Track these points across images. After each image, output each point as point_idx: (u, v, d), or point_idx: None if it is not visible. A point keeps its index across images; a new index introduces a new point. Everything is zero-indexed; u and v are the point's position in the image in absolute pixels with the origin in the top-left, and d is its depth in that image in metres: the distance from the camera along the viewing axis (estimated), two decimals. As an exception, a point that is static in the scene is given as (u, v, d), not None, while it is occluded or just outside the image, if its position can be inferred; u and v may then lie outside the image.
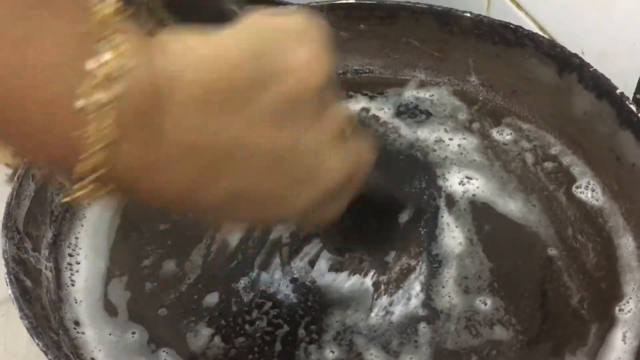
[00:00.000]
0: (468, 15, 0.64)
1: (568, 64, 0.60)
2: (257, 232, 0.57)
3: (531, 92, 0.64)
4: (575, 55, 0.60)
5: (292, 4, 0.68)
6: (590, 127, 0.60)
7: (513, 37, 0.63)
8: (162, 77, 0.31)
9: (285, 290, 0.54)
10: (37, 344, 0.45)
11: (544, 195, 0.59)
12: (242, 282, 0.54)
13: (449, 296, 0.53)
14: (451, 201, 0.59)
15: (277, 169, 0.36)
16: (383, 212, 0.55)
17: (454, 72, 0.67)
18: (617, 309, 0.52)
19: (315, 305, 0.53)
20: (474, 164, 0.61)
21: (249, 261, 0.55)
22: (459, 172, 0.60)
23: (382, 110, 0.65)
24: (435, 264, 0.55)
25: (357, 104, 0.66)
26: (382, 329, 0.51)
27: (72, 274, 0.55)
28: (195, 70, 0.32)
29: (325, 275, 0.54)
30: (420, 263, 0.55)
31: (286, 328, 0.52)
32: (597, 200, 0.58)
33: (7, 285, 0.48)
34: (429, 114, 0.65)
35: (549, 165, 0.61)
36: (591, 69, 0.59)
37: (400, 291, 0.53)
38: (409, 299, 0.53)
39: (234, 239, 0.57)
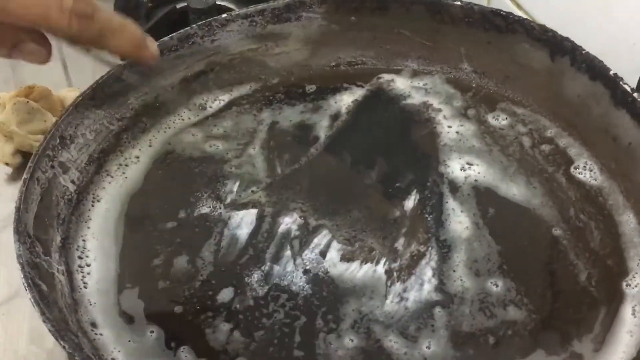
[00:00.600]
0: (458, 3, 0.65)
1: (560, 48, 0.61)
2: (266, 226, 0.57)
3: (524, 77, 0.65)
4: (567, 38, 0.61)
5: (283, -2, 0.68)
6: (584, 108, 0.61)
7: (504, 24, 0.64)
8: None
9: (299, 282, 0.54)
10: (63, 347, 0.44)
11: (544, 178, 0.60)
12: (256, 276, 0.54)
13: (461, 280, 0.54)
14: (454, 187, 0.59)
15: None
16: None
17: (446, 60, 0.68)
18: (624, 284, 0.53)
19: (330, 296, 0.53)
20: (473, 149, 0.62)
21: (260, 255, 0.56)
22: (460, 159, 0.61)
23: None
24: (445, 249, 0.55)
25: (351, 96, 0.67)
26: (398, 315, 0.52)
27: (83, 277, 0.54)
28: None
29: (337, 265, 0.55)
30: (430, 249, 0.55)
31: (304, 319, 0.52)
32: (595, 180, 0.59)
33: (26, 290, 0.47)
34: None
35: (546, 148, 0.62)
36: (583, 52, 0.60)
37: (413, 277, 0.54)
38: (422, 285, 0.53)
39: (243, 234, 0.57)
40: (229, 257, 0.56)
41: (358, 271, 0.54)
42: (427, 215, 0.58)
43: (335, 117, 0.66)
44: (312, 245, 0.56)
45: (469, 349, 0.50)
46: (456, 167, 0.61)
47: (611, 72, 0.58)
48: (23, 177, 0.54)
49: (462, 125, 0.64)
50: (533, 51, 0.63)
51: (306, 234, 0.57)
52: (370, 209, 0.58)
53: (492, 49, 0.65)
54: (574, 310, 0.52)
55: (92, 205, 0.59)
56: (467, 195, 0.59)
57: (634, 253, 0.55)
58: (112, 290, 0.54)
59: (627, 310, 0.52)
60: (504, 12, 0.64)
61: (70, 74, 0.77)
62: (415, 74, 0.68)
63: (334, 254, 0.55)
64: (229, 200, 0.59)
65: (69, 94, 0.71)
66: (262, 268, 0.55)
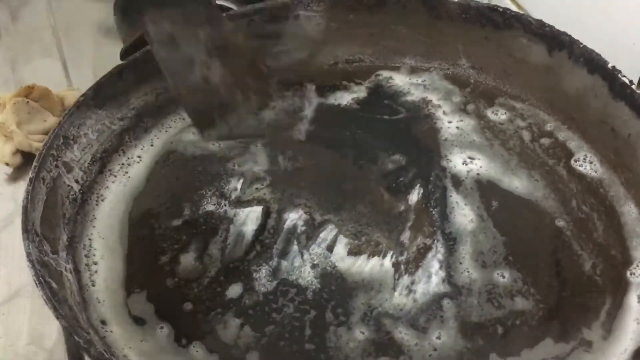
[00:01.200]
0: (455, 0, 0.66)
1: (558, 42, 0.62)
2: (272, 222, 0.57)
3: (522, 71, 0.65)
4: (565, 33, 0.62)
5: (280, -2, 0.68)
6: (583, 101, 0.61)
7: (501, 19, 0.64)
8: None
9: (307, 276, 0.54)
10: (79, 342, 0.44)
11: (545, 170, 0.60)
12: (264, 272, 0.54)
13: (468, 271, 0.54)
14: (457, 181, 0.60)
15: None
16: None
17: (444, 56, 0.68)
18: (628, 272, 0.54)
19: (338, 289, 0.53)
20: (474, 144, 0.62)
21: (267, 251, 0.56)
22: (461, 153, 0.62)
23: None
24: (450, 242, 0.56)
25: (351, 93, 0.67)
26: (407, 307, 0.52)
27: (91, 275, 0.54)
28: None
29: (345, 259, 0.55)
30: (436, 242, 0.56)
31: (313, 313, 0.52)
32: (596, 172, 0.60)
33: (37, 287, 0.47)
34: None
35: (545, 141, 0.62)
36: (581, 45, 0.61)
37: (420, 270, 0.54)
38: (430, 277, 0.54)
39: (249, 230, 0.57)
40: (236, 254, 0.56)
41: (366, 265, 0.55)
42: (431, 209, 0.58)
43: (335, 114, 0.66)
44: (319, 240, 0.56)
45: (479, 338, 0.51)
46: (458, 162, 0.61)
47: (609, 65, 0.59)
48: (29, 176, 0.54)
49: (462, 121, 0.64)
50: (531, 46, 0.64)
51: (312, 229, 0.57)
52: (375, 203, 0.59)
53: (489, 45, 0.66)
54: (581, 300, 0.53)
55: (97, 205, 0.59)
56: (470, 188, 0.59)
57: (637, 242, 0.55)
58: (121, 288, 0.54)
59: (632, 298, 0.52)
60: (501, 7, 0.64)
61: (70, 74, 0.77)
62: (413, 70, 0.69)
63: (340, 248, 0.56)
64: (233, 197, 0.59)
65: (69, 94, 0.71)
66: (270, 263, 0.55)
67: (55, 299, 0.47)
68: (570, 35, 0.61)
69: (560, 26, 0.62)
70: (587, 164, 0.60)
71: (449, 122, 0.64)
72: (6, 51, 0.82)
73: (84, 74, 0.69)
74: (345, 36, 0.69)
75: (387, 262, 0.55)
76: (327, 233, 0.56)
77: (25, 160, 0.67)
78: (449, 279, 0.54)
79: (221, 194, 0.60)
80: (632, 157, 0.58)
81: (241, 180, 0.60)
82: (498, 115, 0.65)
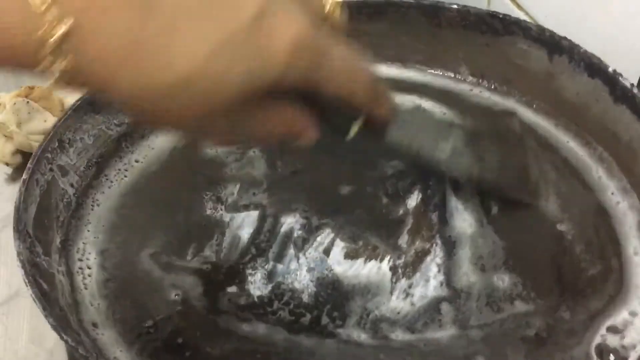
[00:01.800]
0: (455, 7, 0.65)
1: (558, 47, 0.62)
2: (267, 226, 0.56)
3: (523, 78, 0.65)
4: (565, 38, 0.61)
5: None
6: (584, 106, 0.61)
7: (501, 26, 0.64)
8: None
9: (303, 280, 0.53)
10: (66, 341, 0.44)
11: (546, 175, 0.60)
12: (259, 275, 0.54)
13: (467, 275, 0.53)
14: (457, 185, 0.59)
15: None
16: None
17: (444, 64, 0.68)
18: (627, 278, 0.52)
19: (335, 293, 0.53)
20: (474, 149, 0.62)
21: (263, 254, 0.55)
22: (461, 158, 0.61)
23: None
24: (449, 246, 0.55)
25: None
26: (404, 311, 0.51)
27: (84, 278, 0.54)
28: None
29: (342, 263, 0.54)
30: (434, 246, 0.55)
31: (309, 316, 0.51)
32: (597, 177, 0.59)
33: (27, 286, 0.47)
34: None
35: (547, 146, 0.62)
36: (581, 50, 0.60)
37: (418, 274, 0.53)
38: (428, 281, 0.53)
39: (245, 234, 0.56)
40: (232, 257, 0.55)
41: (362, 268, 0.54)
42: (430, 213, 0.57)
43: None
44: (316, 243, 0.55)
45: (477, 342, 0.50)
46: (458, 166, 0.60)
47: (610, 69, 0.58)
48: (22, 178, 0.54)
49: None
50: (531, 52, 0.63)
51: (309, 233, 0.56)
52: (373, 207, 0.58)
53: (490, 52, 0.65)
54: (583, 304, 0.51)
55: (92, 209, 0.58)
56: (470, 193, 0.58)
57: (637, 246, 0.54)
58: (114, 290, 0.53)
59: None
60: (501, 14, 0.64)
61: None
62: (413, 77, 0.68)
63: (337, 252, 0.55)
64: (229, 202, 0.59)
65: (69, 94, 0.70)
66: (266, 267, 0.54)
67: (45, 299, 0.47)
68: (570, 40, 0.61)
69: (560, 27, 0.62)
70: (589, 168, 0.60)
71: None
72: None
73: None
74: (345, 44, 0.69)
75: (385, 265, 0.54)
76: (324, 237, 0.56)
77: (25, 160, 0.67)
78: (447, 282, 0.53)
79: (217, 199, 0.59)
80: (633, 161, 0.57)
81: (238, 185, 0.60)
82: (499, 121, 0.64)
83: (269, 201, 0.58)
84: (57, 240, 0.54)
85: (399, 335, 0.50)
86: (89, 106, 0.60)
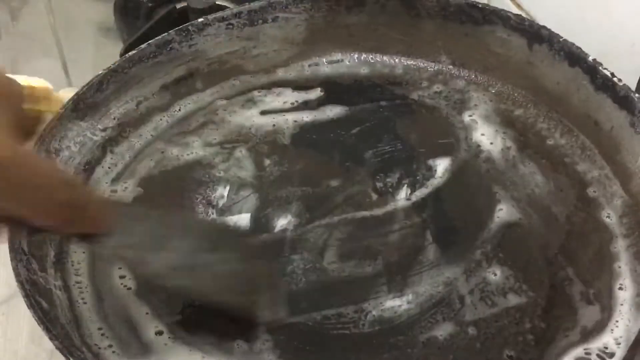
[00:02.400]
0: (434, -4, 0.66)
1: (537, 36, 0.62)
2: (260, 229, 0.57)
3: (503, 67, 0.65)
4: (544, 27, 0.62)
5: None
6: (565, 95, 0.62)
7: (480, 15, 0.65)
8: None
9: (297, 281, 0.54)
10: (74, 364, 0.44)
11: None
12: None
13: (460, 271, 0.54)
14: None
15: None
16: None
17: (424, 54, 0.68)
18: (615, 265, 0.54)
19: (330, 293, 0.53)
20: (458, 142, 0.63)
21: (258, 257, 0.55)
22: (448, 151, 0.62)
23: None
24: (441, 241, 0.56)
25: (332, 94, 0.67)
26: (400, 309, 0.52)
27: (81, 292, 0.53)
28: None
29: (336, 263, 0.55)
30: (426, 242, 0.56)
31: (304, 317, 0.52)
32: (579, 165, 0.60)
33: (29, 309, 0.46)
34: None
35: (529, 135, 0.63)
36: (561, 39, 0.61)
37: (412, 271, 0.54)
38: (421, 278, 0.54)
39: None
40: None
41: (357, 268, 0.55)
42: (420, 209, 0.58)
43: (318, 116, 0.66)
44: (309, 245, 0.56)
45: (474, 338, 0.51)
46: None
47: (590, 58, 0.59)
48: (13, 194, 0.53)
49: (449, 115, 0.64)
50: (511, 41, 0.64)
51: (302, 234, 0.56)
52: (364, 205, 0.58)
53: (469, 41, 0.66)
54: (573, 293, 0.53)
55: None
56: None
57: (620, 234, 0.56)
58: (113, 302, 0.53)
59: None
60: (480, 3, 0.64)
61: (70, 74, 0.76)
62: (394, 69, 0.69)
63: (331, 252, 0.55)
64: (220, 205, 0.59)
65: (69, 94, 0.70)
66: (261, 270, 0.55)
67: (47, 319, 0.47)
68: (549, 29, 0.62)
69: (560, 27, 0.62)
70: (571, 156, 0.61)
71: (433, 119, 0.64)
72: (6, 51, 0.81)
73: (84, 74, 0.67)
74: (325, 37, 0.69)
75: (379, 264, 0.55)
76: (317, 238, 0.56)
77: None
78: (440, 279, 0.54)
79: (208, 202, 0.59)
80: (615, 149, 0.58)
81: (227, 187, 0.60)
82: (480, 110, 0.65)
83: (259, 203, 0.59)
84: (52, 255, 0.54)
85: (397, 334, 0.51)
86: (72, 113, 0.60)
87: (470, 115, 0.64)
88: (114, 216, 0.46)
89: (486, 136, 0.63)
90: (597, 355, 0.49)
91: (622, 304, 0.51)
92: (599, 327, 0.50)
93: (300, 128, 0.65)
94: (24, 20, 0.86)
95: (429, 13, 0.66)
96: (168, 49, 0.65)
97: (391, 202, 0.59)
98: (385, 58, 0.69)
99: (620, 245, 0.55)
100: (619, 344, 0.49)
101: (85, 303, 0.53)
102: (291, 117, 0.65)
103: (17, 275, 0.48)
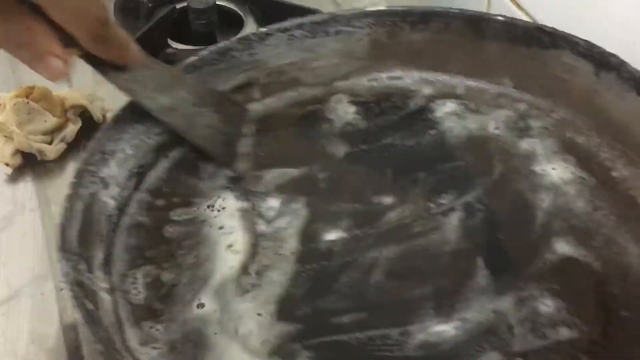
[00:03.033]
0: (500, 18, 0.64)
1: (606, 64, 0.61)
2: (310, 244, 0.56)
3: (567, 93, 0.64)
4: (614, 55, 0.60)
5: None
6: (631, 125, 0.60)
7: (548, 39, 0.63)
8: None
9: (344, 301, 0.53)
10: (114, 368, 0.44)
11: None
12: (299, 297, 0.54)
13: (510, 300, 0.53)
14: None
15: None
16: None
17: (487, 75, 0.67)
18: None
19: (375, 315, 0.52)
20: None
21: (306, 272, 0.55)
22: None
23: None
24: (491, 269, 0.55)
25: (392, 113, 0.66)
26: (448, 335, 0.51)
27: (128, 294, 0.53)
28: None
29: (383, 283, 0.54)
30: (477, 268, 0.55)
31: (348, 336, 0.51)
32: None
33: (75, 310, 0.46)
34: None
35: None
36: (629, 67, 0.59)
37: (461, 298, 0.53)
38: (470, 305, 0.52)
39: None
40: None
41: (405, 291, 0.53)
42: (473, 234, 0.57)
43: (373, 133, 0.65)
44: (357, 263, 0.55)
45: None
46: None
47: (658, 89, 0.57)
48: (66, 193, 0.53)
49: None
50: (577, 67, 0.62)
51: (351, 252, 0.56)
52: (415, 225, 0.58)
53: (534, 65, 0.65)
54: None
55: (134, 222, 0.58)
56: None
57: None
58: (158, 304, 0.53)
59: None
60: (548, 27, 0.63)
61: (70, 74, 0.76)
62: (455, 89, 0.68)
63: (379, 272, 0.54)
64: (270, 217, 0.58)
65: (69, 94, 0.70)
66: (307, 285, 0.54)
67: (92, 322, 0.47)
68: (619, 57, 0.60)
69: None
70: (634, 189, 0.59)
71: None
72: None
73: (84, 74, 0.67)
74: (387, 54, 0.68)
75: (427, 287, 0.54)
76: (367, 255, 0.55)
77: (25, 161, 0.67)
78: (490, 306, 0.52)
79: (259, 214, 0.59)
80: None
81: (279, 200, 0.60)
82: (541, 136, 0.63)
83: (310, 217, 0.58)
84: (100, 256, 0.54)
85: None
86: (130, 115, 0.60)
87: (531, 141, 0.63)
88: (135, 56, 0.56)
89: (545, 163, 0.61)
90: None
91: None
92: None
93: (353, 143, 0.64)
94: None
95: (495, 35, 0.65)
96: (229, 56, 0.65)
97: (443, 224, 0.57)
98: (446, 77, 0.68)
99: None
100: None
101: (131, 305, 0.53)
102: (346, 131, 0.65)
103: (66, 275, 0.48)
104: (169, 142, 0.63)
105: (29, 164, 0.67)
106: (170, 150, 0.63)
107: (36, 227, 0.64)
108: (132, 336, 0.51)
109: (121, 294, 0.53)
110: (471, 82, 0.68)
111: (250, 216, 0.59)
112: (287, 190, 0.60)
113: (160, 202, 0.60)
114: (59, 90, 0.70)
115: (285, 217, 0.58)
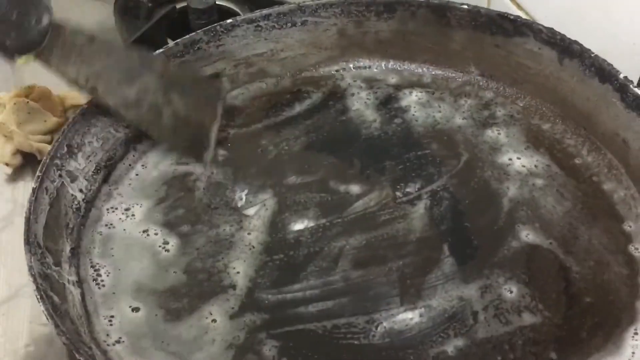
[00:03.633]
0: (465, 7, 0.65)
1: (569, 51, 0.61)
2: (277, 234, 0.57)
3: (532, 80, 0.64)
4: (576, 41, 0.61)
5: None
6: (594, 112, 0.61)
7: (511, 27, 0.64)
8: None
9: (310, 288, 0.54)
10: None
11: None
12: (267, 283, 0.54)
13: (475, 286, 0.53)
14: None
15: None
16: None
17: (453, 64, 0.67)
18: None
19: (342, 302, 0.53)
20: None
21: (273, 262, 0.55)
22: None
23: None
24: (458, 255, 0.55)
25: (359, 101, 0.67)
26: (412, 322, 0.52)
27: (97, 285, 0.54)
28: None
29: (350, 271, 0.54)
30: (442, 255, 0.55)
31: (315, 324, 0.52)
32: (605, 183, 0.59)
33: (39, 302, 0.47)
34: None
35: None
36: (592, 55, 0.60)
37: (426, 283, 0.53)
38: (436, 291, 0.53)
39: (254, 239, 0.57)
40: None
41: (370, 277, 0.54)
42: (438, 222, 0.57)
43: (342, 123, 0.65)
44: (324, 252, 0.55)
45: (485, 355, 0.50)
46: (468, 174, 0.61)
47: (621, 75, 0.58)
48: (32, 187, 0.53)
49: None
50: (541, 54, 0.63)
51: (318, 240, 0.56)
52: (381, 214, 0.58)
53: (499, 53, 0.65)
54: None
55: (101, 215, 0.58)
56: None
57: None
58: (126, 297, 0.53)
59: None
60: (512, 15, 0.63)
61: None
62: (422, 78, 0.68)
63: (346, 260, 0.55)
64: (239, 206, 0.59)
65: (69, 94, 0.70)
66: (274, 275, 0.54)
67: (57, 314, 0.47)
68: (581, 44, 0.60)
69: (560, 26, 0.62)
70: (598, 175, 0.59)
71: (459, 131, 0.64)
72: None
73: None
74: (354, 43, 0.68)
75: (393, 276, 0.54)
76: (333, 244, 0.56)
77: (25, 160, 0.67)
78: (455, 293, 0.53)
79: (226, 203, 0.59)
80: (643, 169, 0.57)
81: (245, 191, 0.60)
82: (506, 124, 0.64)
83: (277, 207, 0.59)
84: (67, 249, 0.54)
85: (407, 347, 0.50)
86: (97, 108, 0.60)
87: (497, 130, 0.63)
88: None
89: (511, 152, 0.62)
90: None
91: (633, 353, 0.50)
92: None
93: (322, 134, 0.64)
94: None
95: (460, 23, 0.65)
96: (195, 48, 0.65)
97: (410, 212, 0.58)
98: (413, 66, 0.68)
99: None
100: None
101: (97, 297, 0.53)
102: (313, 121, 0.65)
103: (31, 269, 0.49)
104: (138, 134, 0.63)
105: (29, 164, 0.67)
106: (139, 143, 0.63)
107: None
108: (99, 328, 0.51)
109: (88, 286, 0.53)
110: (437, 71, 0.68)
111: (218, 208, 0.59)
112: (255, 181, 0.60)
113: (128, 195, 0.60)
114: (59, 90, 0.70)
115: (253, 208, 0.59)
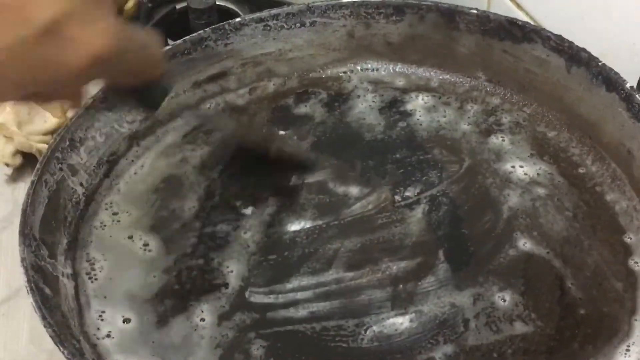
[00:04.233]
0: (474, 11, 0.64)
1: (576, 59, 0.60)
2: (274, 234, 0.57)
3: (539, 87, 0.64)
4: (584, 49, 0.60)
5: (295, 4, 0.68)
6: (600, 121, 0.60)
7: (520, 33, 0.63)
8: None
9: (303, 290, 0.54)
10: (62, 352, 0.44)
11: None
12: (261, 282, 0.54)
13: (468, 293, 0.53)
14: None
15: None
16: None
17: (460, 68, 0.67)
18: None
19: (334, 305, 0.53)
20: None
21: (267, 262, 0.56)
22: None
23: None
24: (452, 261, 0.55)
25: (365, 103, 0.66)
26: (403, 327, 0.51)
27: (90, 279, 0.54)
28: None
29: (343, 273, 0.54)
30: (437, 261, 0.55)
31: (307, 326, 0.52)
32: (608, 194, 0.58)
33: (28, 293, 0.47)
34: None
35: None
36: (600, 63, 0.59)
37: (419, 288, 0.53)
38: (428, 296, 0.53)
39: (250, 239, 0.57)
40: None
41: (364, 280, 0.54)
42: (435, 227, 0.57)
43: (346, 124, 0.65)
44: (319, 253, 0.55)
45: (474, 363, 0.50)
46: (468, 180, 0.60)
47: (628, 85, 0.57)
48: (31, 179, 0.54)
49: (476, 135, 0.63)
50: (549, 62, 0.62)
51: (314, 242, 0.56)
52: (379, 217, 0.58)
53: (507, 59, 0.64)
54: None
55: (101, 209, 0.59)
56: (478, 207, 0.58)
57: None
58: (119, 292, 0.54)
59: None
60: (520, 21, 0.63)
61: None
62: (429, 82, 0.67)
63: (340, 262, 0.55)
64: (238, 206, 0.59)
65: None
66: (268, 274, 0.55)
67: (46, 306, 0.47)
68: (589, 52, 0.60)
69: (560, 27, 0.61)
70: (601, 185, 0.59)
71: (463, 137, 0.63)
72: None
73: None
74: (362, 45, 0.68)
75: (386, 280, 0.54)
76: (328, 246, 0.56)
77: (25, 161, 0.68)
78: (447, 299, 0.53)
79: (225, 202, 0.59)
80: (647, 181, 0.56)
81: (245, 190, 0.60)
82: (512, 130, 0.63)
83: (275, 208, 0.59)
84: (64, 242, 0.55)
85: (395, 352, 0.50)
86: (102, 104, 0.60)
87: (501, 136, 0.63)
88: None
89: (515, 159, 0.61)
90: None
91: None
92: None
93: (325, 134, 0.64)
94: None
95: (469, 27, 0.65)
96: (203, 46, 0.65)
97: (407, 216, 0.58)
98: (421, 70, 0.68)
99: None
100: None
101: (91, 291, 0.54)
102: (317, 122, 0.65)
103: (23, 260, 0.49)
104: (142, 130, 0.63)
105: (29, 164, 0.68)
106: (142, 139, 0.63)
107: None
108: (89, 322, 0.52)
109: (82, 279, 0.54)
110: (445, 75, 0.68)
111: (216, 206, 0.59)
112: (256, 180, 0.61)
113: (130, 190, 0.61)
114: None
115: (251, 207, 0.59)
